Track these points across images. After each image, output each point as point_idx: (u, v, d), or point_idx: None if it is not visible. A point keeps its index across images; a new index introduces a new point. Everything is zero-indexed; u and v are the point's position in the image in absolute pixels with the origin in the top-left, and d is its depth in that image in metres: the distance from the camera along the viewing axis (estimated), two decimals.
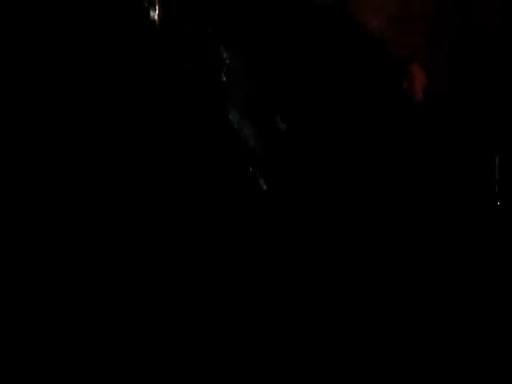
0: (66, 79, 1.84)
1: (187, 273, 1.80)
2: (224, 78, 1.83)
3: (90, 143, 1.83)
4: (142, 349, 1.75)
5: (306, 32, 1.88)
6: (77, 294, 1.75)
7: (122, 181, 1.82)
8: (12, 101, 1.80)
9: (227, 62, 1.84)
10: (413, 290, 1.79)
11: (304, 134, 1.82)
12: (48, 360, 1.71)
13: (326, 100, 1.85)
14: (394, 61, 1.91)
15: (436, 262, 1.82)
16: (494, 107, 2.06)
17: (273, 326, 1.77)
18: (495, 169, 2.00)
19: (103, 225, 1.79)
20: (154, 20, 2.02)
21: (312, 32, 1.87)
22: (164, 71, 1.92)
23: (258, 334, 1.77)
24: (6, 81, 1.80)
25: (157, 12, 2.04)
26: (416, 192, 1.88)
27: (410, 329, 1.77)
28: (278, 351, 1.76)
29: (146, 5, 1.99)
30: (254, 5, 1.94)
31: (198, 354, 1.76)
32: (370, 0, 2.08)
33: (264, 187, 1.80)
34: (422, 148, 1.92)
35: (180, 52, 1.97)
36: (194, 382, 1.75)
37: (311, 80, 1.84)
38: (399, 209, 1.84)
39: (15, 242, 1.74)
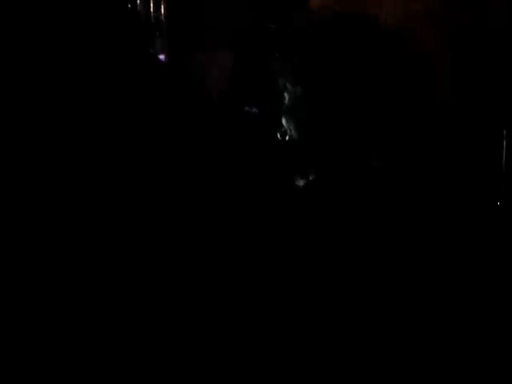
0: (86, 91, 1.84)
1: (195, 271, 1.80)
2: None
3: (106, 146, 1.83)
4: (141, 349, 1.75)
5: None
6: (76, 294, 1.75)
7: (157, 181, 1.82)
8: (10, 101, 1.80)
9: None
10: (413, 290, 1.79)
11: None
12: (48, 360, 1.71)
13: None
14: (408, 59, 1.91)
15: (437, 260, 1.83)
16: (496, 105, 2.06)
17: (273, 326, 1.78)
18: (499, 168, 2.01)
19: (103, 225, 1.79)
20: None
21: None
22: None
23: (259, 334, 1.77)
24: (5, 81, 1.80)
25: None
26: (421, 188, 1.88)
27: (409, 329, 1.77)
28: (277, 351, 1.76)
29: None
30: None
31: (197, 354, 1.76)
32: None
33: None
34: (427, 146, 1.92)
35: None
36: (194, 382, 1.75)
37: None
38: (403, 204, 1.85)
39: (15, 242, 1.74)
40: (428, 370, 1.74)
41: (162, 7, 2.18)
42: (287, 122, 1.78)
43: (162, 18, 2.19)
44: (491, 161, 2.03)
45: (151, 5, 2.18)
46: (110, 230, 1.77)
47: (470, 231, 1.85)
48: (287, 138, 1.78)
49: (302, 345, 1.74)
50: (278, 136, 1.78)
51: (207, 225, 1.81)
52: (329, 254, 1.77)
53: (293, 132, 1.77)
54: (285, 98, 1.77)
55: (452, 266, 1.80)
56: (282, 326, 1.75)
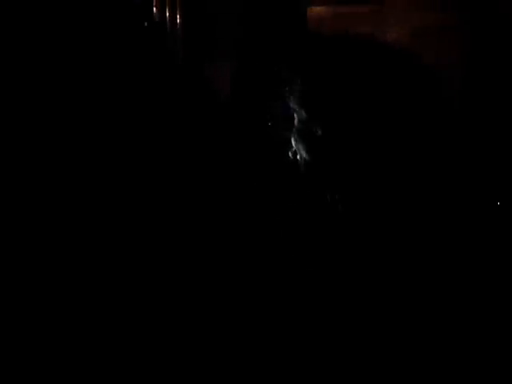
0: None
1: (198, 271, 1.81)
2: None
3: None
4: (141, 349, 1.76)
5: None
6: (77, 294, 1.75)
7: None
8: (11, 101, 1.80)
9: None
10: (413, 290, 1.79)
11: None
12: (48, 360, 1.72)
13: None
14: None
15: (438, 260, 1.82)
16: (507, 119, 2.04)
17: (273, 326, 1.78)
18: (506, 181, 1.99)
19: (104, 225, 1.80)
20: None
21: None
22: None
23: (258, 334, 1.77)
24: (6, 82, 1.81)
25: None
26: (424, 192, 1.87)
27: (409, 329, 1.77)
28: (277, 351, 1.76)
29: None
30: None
31: (197, 354, 1.76)
32: (391, 12, 2.07)
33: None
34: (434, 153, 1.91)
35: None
36: (194, 382, 1.76)
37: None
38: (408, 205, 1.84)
39: (15, 242, 1.74)
40: (428, 369, 1.74)
41: (178, 16, 2.17)
42: (296, 142, 1.77)
43: (178, 26, 2.18)
44: (498, 175, 2.02)
45: (167, 14, 2.17)
46: (111, 230, 1.78)
47: (471, 231, 1.85)
48: (298, 157, 1.77)
49: (301, 344, 1.74)
50: (289, 156, 1.78)
51: (209, 227, 1.82)
52: (333, 255, 1.77)
53: (302, 152, 1.76)
54: (294, 118, 1.76)
55: (452, 265, 1.79)
56: (282, 326, 1.76)
